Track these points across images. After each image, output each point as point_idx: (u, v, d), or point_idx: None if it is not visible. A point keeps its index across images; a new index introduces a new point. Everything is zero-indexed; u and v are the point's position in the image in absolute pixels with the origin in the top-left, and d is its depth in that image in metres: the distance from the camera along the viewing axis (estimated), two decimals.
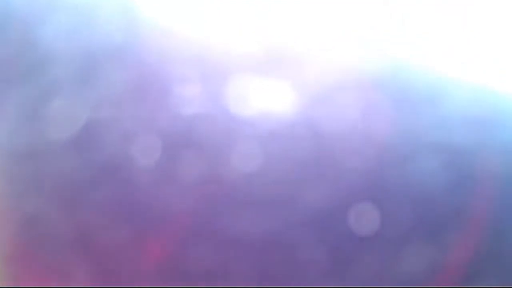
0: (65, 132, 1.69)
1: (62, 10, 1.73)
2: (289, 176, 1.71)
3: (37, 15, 1.73)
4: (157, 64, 1.71)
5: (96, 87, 1.70)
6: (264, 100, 1.72)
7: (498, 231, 1.77)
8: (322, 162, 1.73)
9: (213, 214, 1.69)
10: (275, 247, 1.69)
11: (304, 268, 1.69)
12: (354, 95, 1.75)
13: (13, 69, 1.74)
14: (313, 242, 1.70)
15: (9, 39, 1.73)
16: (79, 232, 1.68)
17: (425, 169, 1.73)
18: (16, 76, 1.74)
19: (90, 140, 1.70)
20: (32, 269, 1.67)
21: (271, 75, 1.73)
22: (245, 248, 1.67)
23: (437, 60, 1.82)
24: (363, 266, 1.71)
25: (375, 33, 1.83)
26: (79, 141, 1.69)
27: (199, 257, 1.68)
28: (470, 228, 1.73)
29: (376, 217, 1.70)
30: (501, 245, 1.76)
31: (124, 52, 1.70)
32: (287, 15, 1.76)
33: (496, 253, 1.75)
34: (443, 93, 1.78)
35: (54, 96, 1.71)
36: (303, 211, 1.70)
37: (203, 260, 1.67)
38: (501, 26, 1.86)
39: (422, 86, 1.79)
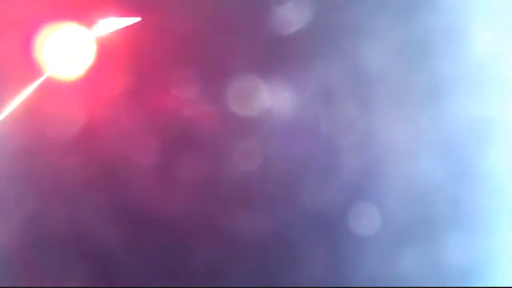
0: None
1: None
2: (290, 175, 1.71)
3: None
4: (157, 64, 1.70)
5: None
6: (264, 100, 1.71)
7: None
8: (323, 161, 1.73)
9: (213, 214, 1.69)
10: (275, 245, 1.70)
11: (304, 267, 1.70)
12: (354, 93, 1.75)
13: None
14: (313, 241, 1.71)
15: None
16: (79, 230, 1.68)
17: (425, 166, 1.74)
18: None
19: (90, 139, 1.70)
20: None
21: (271, 74, 1.72)
22: (246, 247, 1.68)
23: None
24: (363, 265, 1.72)
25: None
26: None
27: (199, 256, 1.68)
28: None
29: (375, 216, 1.71)
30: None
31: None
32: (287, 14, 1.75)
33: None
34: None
35: None
36: (303, 210, 1.70)
37: (204, 259, 1.68)
38: None
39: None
